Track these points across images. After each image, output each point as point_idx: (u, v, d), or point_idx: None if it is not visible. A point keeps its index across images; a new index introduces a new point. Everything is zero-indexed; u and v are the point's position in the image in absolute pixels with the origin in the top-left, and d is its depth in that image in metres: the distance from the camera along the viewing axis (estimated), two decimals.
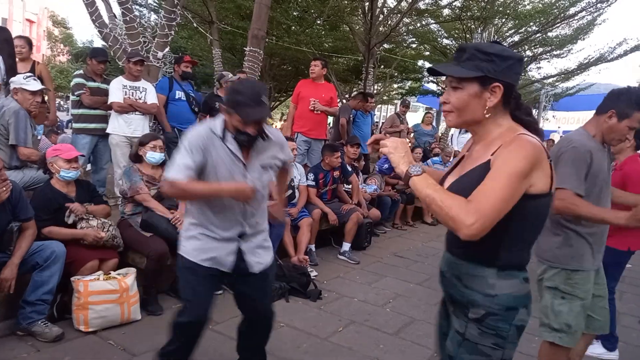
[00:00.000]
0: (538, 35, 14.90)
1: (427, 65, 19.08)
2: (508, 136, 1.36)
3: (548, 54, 16.11)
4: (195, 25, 12.18)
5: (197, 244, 2.21)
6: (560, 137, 2.32)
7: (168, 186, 2.10)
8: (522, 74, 1.48)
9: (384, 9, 13.37)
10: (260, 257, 2.32)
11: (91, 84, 4.86)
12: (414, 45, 17.96)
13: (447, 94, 1.43)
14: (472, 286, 1.43)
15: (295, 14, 14.60)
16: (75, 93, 4.80)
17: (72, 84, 4.93)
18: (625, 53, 14.90)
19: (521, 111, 1.45)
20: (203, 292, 2.24)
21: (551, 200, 1.38)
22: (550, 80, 17.92)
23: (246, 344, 2.53)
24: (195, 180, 2.07)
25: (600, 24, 15.05)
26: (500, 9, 13.35)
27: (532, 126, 1.43)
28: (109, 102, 4.78)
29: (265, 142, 2.22)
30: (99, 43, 26.97)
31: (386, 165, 1.46)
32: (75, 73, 5.10)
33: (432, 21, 14.63)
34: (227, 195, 2.12)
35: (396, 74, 18.52)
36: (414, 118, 18.62)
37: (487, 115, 1.39)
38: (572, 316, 2.20)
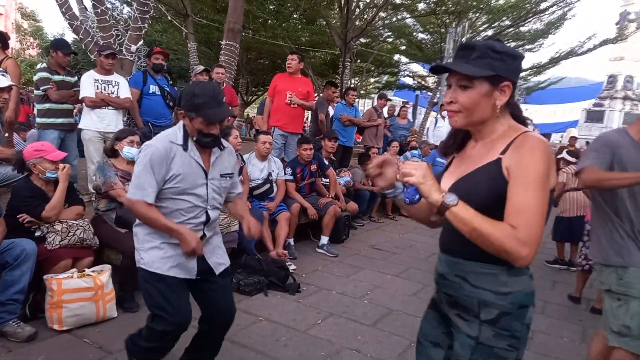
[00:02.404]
0: (511, 29, 15.20)
1: (404, 59, 19.29)
2: (511, 134, 1.35)
3: (520, 48, 16.43)
4: (169, 18, 11.97)
5: (159, 254, 2.17)
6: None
7: (129, 205, 2.13)
8: None
9: (360, 3, 13.42)
10: (221, 258, 2.37)
11: (56, 77, 4.70)
12: (390, 40, 18.08)
13: (454, 92, 1.36)
14: (482, 285, 1.36)
15: (271, 7, 14.54)
16: (41, 88, 4.64)
17: (36, 78, 4.74)
18: (595, 47, 15.33)
19: (516, 109, 1.43)
20: (176, 298, 2.18)
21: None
22: (522, 74, 18.28)
23: (205, 343, 2.44)
24: (156, 210, 2.11)
25: (570, 18, 15.45)
26: (474, 3, 13.55)
27: (525, 124, 1.41)
28: (80, 97, 4.67)
29: (222, 152, 2.30)
30: (70, 36, 26.28)
31: (417, 196, 1.31)
32: (38, 67, 4.92)
33: (408, 15, 14.73)
34: (177, 237, 2.13)
35: (373, 68, 18.63)
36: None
37: (496, 115, 1.37)
38: (629, 318, 2.14)
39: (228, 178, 2.33)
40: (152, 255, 2.17)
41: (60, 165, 3.21)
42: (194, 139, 2.16)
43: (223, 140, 2.32)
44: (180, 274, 2.20)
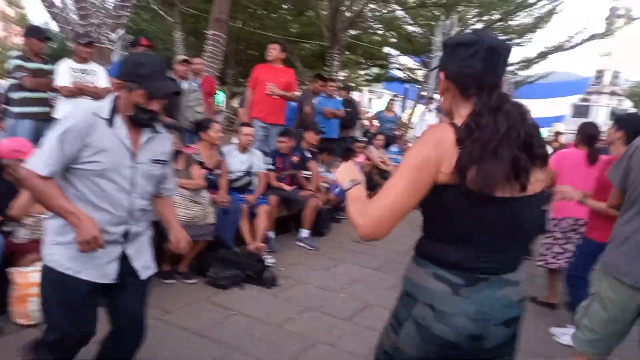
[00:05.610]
0: (500, 23, 15.17)
1: (393, 52, 19.21)
2: None
3: (509, 42, 16.41)
4: (155, 7, 11.76)
5: (70, 252, 1.82)
6: None
7: (25, 176, 1.77)
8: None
9: None
10: (149, 261, 2.04)
11: (31, 65, 4.59)
12: (380, 32, 17.97)
13: None
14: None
15: None
16: (16, 76, 4.54)
17: (9, 66, 4.65)
18: (583, 42, 15.35)
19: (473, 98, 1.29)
20: (80, 308, 1.87)
21: (460, 194, 1.22)
22: (510, 68, 18.30)
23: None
24: (54, 186, 1.76)
25: (558, 13, 15.44)
26: None
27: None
28: (55, 86, 4.57)
29: (158, 136, 1.99)
30: (55, 24, 25.78)
31: (337, 189, 1.51)
32: (12, 55, 4.78)
33: (398, 7, 14.64)
34: (70, 223, 1.76)
35: (362, 60, 18.53)
36: (379, 105, 18.63)
37: (444, 103, 1.39)
38: None
39: (160, 165, 2.00)
40: (63, 252, 1.84)
41: None
42: (128, 114, 1.86)
43: (160, 126, 2.03)
44: (94, 276, 1.86)
